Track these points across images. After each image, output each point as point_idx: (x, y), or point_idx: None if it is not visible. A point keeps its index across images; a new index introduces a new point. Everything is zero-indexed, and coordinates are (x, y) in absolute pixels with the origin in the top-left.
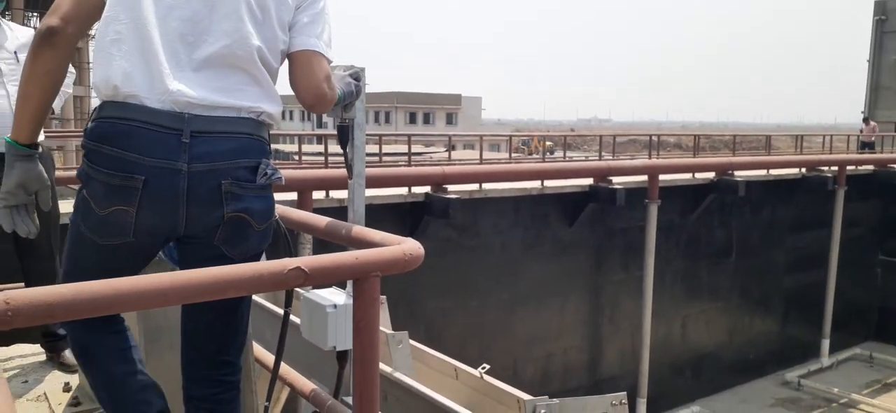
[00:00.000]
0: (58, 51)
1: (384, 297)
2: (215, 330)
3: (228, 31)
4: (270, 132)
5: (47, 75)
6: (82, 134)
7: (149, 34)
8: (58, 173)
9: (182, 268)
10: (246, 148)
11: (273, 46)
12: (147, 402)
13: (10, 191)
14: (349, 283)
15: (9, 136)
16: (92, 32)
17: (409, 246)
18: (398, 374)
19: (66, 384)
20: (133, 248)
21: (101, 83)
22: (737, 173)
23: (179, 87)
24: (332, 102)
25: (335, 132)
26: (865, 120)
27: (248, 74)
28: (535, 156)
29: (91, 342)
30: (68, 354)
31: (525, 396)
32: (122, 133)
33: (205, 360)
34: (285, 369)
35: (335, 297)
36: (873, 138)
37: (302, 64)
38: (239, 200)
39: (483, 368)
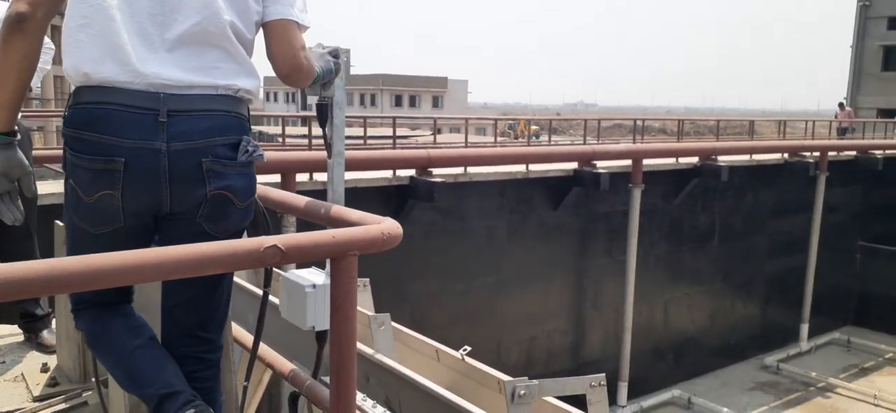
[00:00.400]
0: (28, 36)
1: (367, 279)
2: (195, 307)
3: (198, 8)
4: (251, 109)
5: (20, 62)
6: (61, 118)
7: (116, 16)
8: (37, 153)
9: (162, 245)
10: (224, 125)
11: (246, 18)
12: (161, 368)
13: None
14: (327, 263)
15: None
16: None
17: (387, 225)
18: (380, 356)
19: (44, 365)
20: (127, 235)
21: (71, 70)
22: (720, 158)
23: (152, 70)
24: (309, 73)
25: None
26: (841, 105)
27: (222, 50)
28: (520, 140)
29: (102, 330)
30: (46, 335)
31: (505, 378)
32: (98, 117)
33: (184, 337)
34: (265, 350)
35: (314, 277)
36: (849, 124)
37: (277, 34)
38: (221, 178)
39: (464, 351)
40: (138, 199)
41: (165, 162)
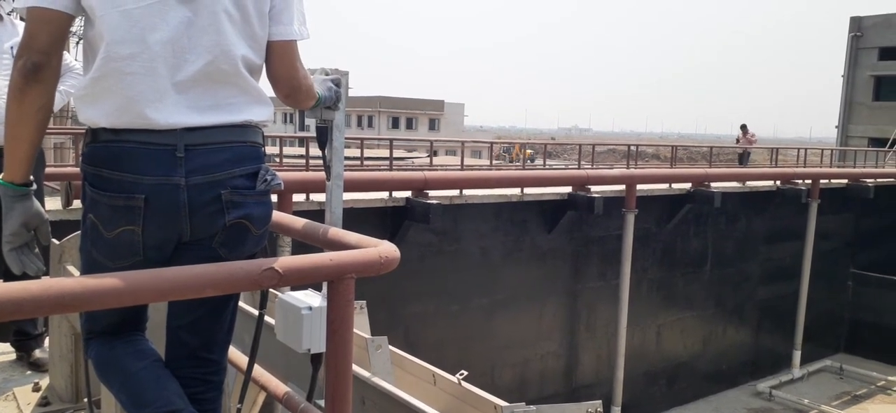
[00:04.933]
0: (45, 85)
1: (364, 301)
2: (200, 329)
3: (209, 47)
4: (265, 135)
5: (38, 113)
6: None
7: (129, 66)
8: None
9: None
10: (241, 156)
11: (257, 45)
12: (163, 388)
13: (15, 232)
14: (324, 285)
15: (2, 178)
16: (74, 29)
17: (385, 248)
18: (376, 379)
19: (36, 384)
20: (146, 267)
21: (87, 122)
22: (713, 184)
23: (168, 119)
24: (308, 94)
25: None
26: (743, 128)
27: (235, 86)
28: (515, 163)
29: (109, 356)
30: (39, 354)
31: (502, 403)
32: (117, 155)
33: (189, 358)
34: (260, 372)
35: (310, 299)
36: (750, 149)
37: (278, 55)
38: (240, 208)
39: (461, 375)
40: (159, 234)
41: (185, 196)
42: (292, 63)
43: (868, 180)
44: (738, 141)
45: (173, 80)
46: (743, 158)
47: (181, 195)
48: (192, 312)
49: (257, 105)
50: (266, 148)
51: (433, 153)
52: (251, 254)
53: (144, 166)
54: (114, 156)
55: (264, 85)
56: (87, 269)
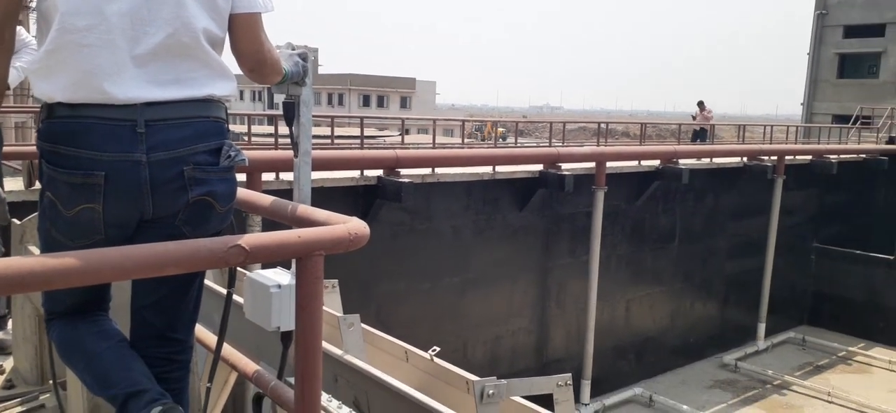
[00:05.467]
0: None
1: (336, 280)
2: (165, 308)
3: (169, 19)
4: (228, 111)
5: None
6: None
7: (86, 39)
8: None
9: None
10: (204, 132)
11: (219, 17)
12: (128, 368)
13: None
14: (293, 263)
15: None
16: (33, 4)
17: (354, 225)
18: (349, 357)
19: (0, 367)
20: (108, 246)
21: (43, 96)
22: (681, 161)
23: (127, 93)
24: (274, 67)
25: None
26: (700, 105)
27: (196, 59)
28: (487, 141)
29: (71, 337)
30: (2, 335)
31: (473, 377)
32: (75, 131)
33: (154, 338)
34: (230, 351)
35: (279, 277)
36: (707, 126)
37: (243, 28)
38: (203, 184)
39: (433, 351)
40: (120, 212)
41: (146, 173)
42: (257, 36)
43: (831, 157)
44: (694, 118)
45: (132, 53)
46: (699, 135)
47: (142, 172)
48: (155, 292)
49: (220, 79)
50: (234, 126)
51: (405, 131)
52: (216, 232)
53: (103, 142)
54: (71, 132)
55: (228, 59)
56: (46, 249)
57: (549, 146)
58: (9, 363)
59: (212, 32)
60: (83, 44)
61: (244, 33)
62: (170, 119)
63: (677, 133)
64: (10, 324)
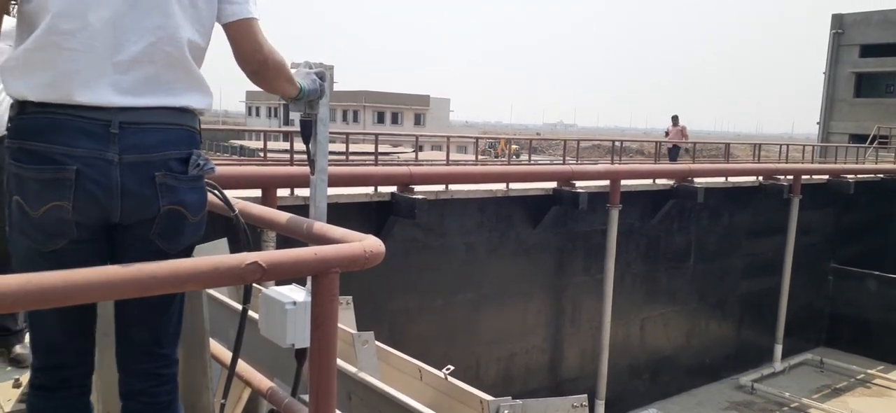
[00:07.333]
0: None
1: (350, 297)
2: (149, 324)
3: (152, 28)
4: (201, 123)
5: None
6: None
7: (68, 41)
8: None
9: (117, 261)
10: (176, 139)
11: (203, 28)
12: None
13: None
14: (309, 280)
15: None
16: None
17: (370, 243)
18: (363, 374)
19: (16, 380)
20: (78, 253)
21: (14, 94)
22: (696, 180)
23: (101, 97)
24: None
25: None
26: (674, 119)
27: (177, 69)
28: (501, 158)
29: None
30: (19, 349)
31: (488, 397)
32: (47, 126)
33: (139, 355)
34: (244, 367)
35: (294, 293)
36: (681, 144)
37: (238, 35)
38: (173, 193)
39: (447, 370)
40: (89, 212)
41: (117, 174)
42: (255, 39)
43: (849, 176)
44: (667, 134)
45: (113, 59)
46: (672, 153)
47: (114, 172)
48: (138, 308)
49: (198, 92)
50: (249, 142)
51: (419, 148)
52: (191, 244)
53: (76, 139)
54: (42, 128)
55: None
56: (19, 261)
57: (563, 163)
58: (25, 377)
59: (196, 43)
60: (65, 47)
61: (243, 39)
62: (144, 123)
63: (693, 151)
64: (27, 337)
